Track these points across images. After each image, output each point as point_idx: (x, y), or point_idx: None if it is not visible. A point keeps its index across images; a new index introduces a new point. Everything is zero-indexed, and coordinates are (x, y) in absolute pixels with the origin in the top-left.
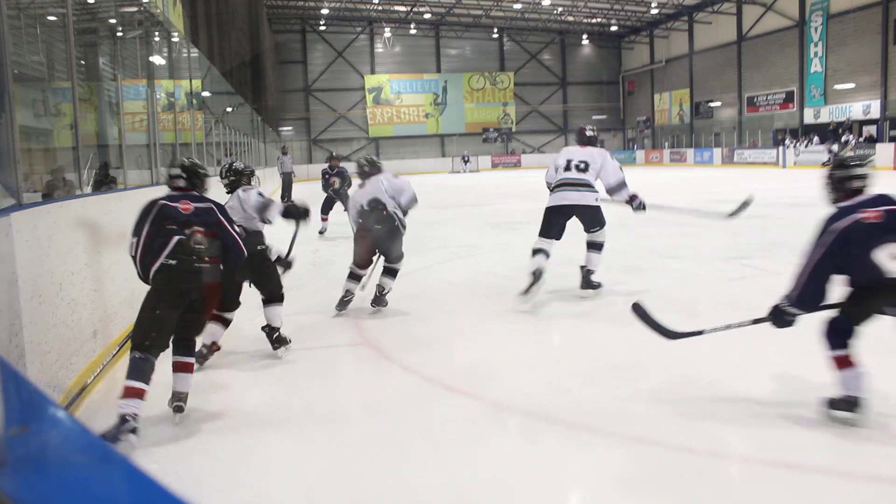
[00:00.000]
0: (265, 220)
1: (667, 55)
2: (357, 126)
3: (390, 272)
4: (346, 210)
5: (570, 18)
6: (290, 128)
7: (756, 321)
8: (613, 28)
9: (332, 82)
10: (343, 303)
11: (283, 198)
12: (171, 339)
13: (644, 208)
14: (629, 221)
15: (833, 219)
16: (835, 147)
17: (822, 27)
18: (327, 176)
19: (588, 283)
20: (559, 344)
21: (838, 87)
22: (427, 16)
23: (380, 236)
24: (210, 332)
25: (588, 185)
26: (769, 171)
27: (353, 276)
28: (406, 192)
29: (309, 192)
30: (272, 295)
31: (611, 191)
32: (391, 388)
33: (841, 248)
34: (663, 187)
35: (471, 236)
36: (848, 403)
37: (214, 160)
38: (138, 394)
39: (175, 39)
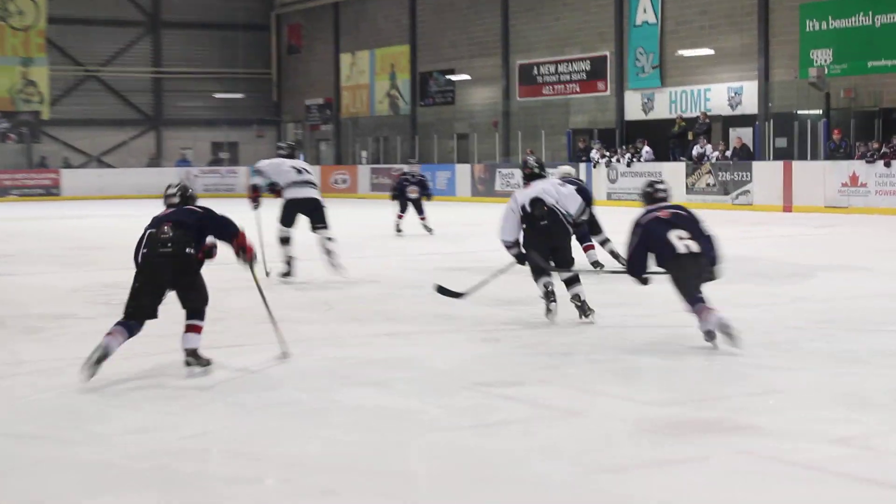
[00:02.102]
0: None
1: None
2: None
3: (575, 279)
4: None
5: None
6: None
7: (615, 271)
8: None
9: None
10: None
11: None
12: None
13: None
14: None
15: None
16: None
17: None
18: None
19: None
20: None
21: (685, 53)
22: None
23: (552, 233)
24: None
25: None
26: None
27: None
28: (573, 202)
29: None
30: None
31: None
32: None
33: (645, 234)
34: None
35: None
36: (709, 334)
37: None
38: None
39: None
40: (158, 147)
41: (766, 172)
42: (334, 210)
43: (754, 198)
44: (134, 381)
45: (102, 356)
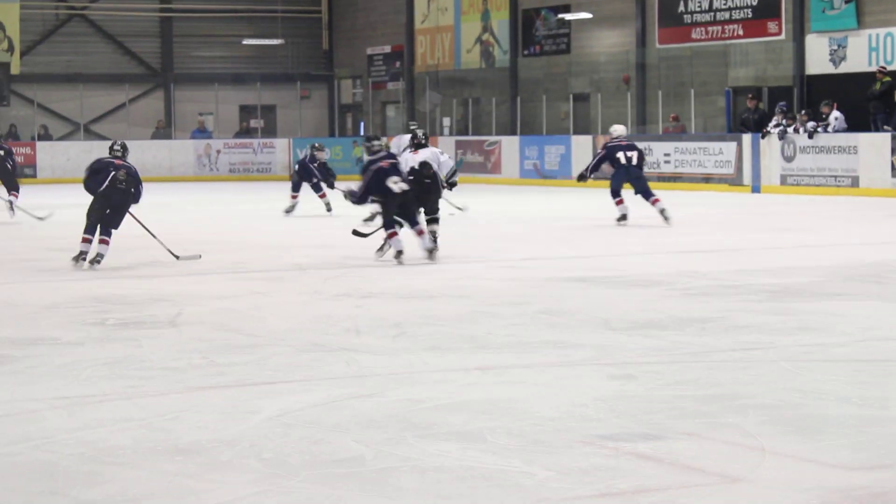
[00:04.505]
0: None
1: None
2: None
3: (436, 220)
4: None
5: None
6: None
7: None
8: None
9: None
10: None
11: None
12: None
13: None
14: None
15: (368, 164)
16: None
17: None
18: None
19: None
20: None
21: None
22: None
23: (430, 189)
24: None
25: None
26: (717, 198)
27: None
28: (447, 167)
29: None
30: None
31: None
32: None
33: (373, 179)
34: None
35: None
36: (399, 252)
37: None
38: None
39: None
40: (168, 112)
41: None
42: None
43: None
44: (135, 429)
45: (80, 256)
